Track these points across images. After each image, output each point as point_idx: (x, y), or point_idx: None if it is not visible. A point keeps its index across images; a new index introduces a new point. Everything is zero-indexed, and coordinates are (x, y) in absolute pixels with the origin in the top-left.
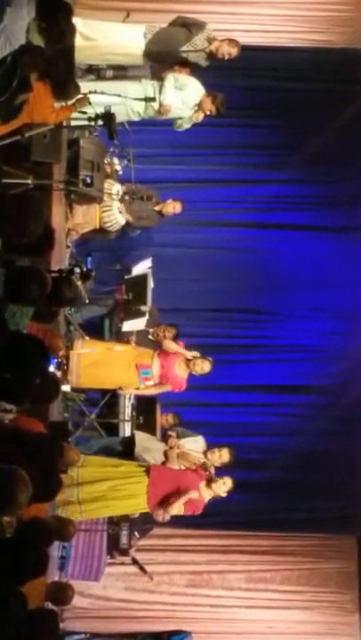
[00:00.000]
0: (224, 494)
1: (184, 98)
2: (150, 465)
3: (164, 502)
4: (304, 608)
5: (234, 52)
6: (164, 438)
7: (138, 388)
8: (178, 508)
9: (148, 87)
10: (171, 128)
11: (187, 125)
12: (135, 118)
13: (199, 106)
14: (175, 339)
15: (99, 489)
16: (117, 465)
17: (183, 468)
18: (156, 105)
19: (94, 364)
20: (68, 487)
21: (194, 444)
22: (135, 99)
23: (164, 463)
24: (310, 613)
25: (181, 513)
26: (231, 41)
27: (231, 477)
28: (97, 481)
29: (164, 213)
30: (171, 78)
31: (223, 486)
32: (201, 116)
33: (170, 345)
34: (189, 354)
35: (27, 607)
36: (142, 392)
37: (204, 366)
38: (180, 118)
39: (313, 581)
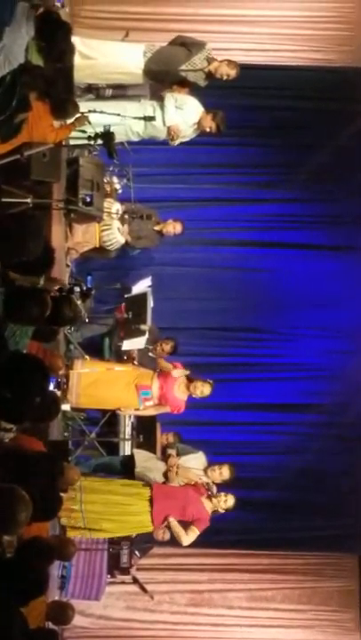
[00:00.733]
0: (223, 510)
1: (184, 117)
2: (152, 483)
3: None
4: (305, 627)
5: (233, 73)
6: (164, 457)
7: (137, 409)
8: (193, 535)
9: (147, 107)
10: (170, 146)
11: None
12: (134, 138)
13: (199, 124)
14: (173, 352)
15: (102, 502)
16: (120, 484)
17: (183, 483)
18: (156, 124)
19: (94, 383)
20: (72, 500)
21: (195, 461)
22: (135, 117)
23: (164, 483)
24: (311, 632)
25: (198, 533)
26: (230, 62)
27: (233, 495)
28: (100, 495)
29: (165, 233)
30: (170, 98)
31: (224, 503)
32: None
33: (162, 364)
34: (177, 371)
35: (27, 627)
36: (141, 413)
37: (204, 389)
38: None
39: (314, 600)
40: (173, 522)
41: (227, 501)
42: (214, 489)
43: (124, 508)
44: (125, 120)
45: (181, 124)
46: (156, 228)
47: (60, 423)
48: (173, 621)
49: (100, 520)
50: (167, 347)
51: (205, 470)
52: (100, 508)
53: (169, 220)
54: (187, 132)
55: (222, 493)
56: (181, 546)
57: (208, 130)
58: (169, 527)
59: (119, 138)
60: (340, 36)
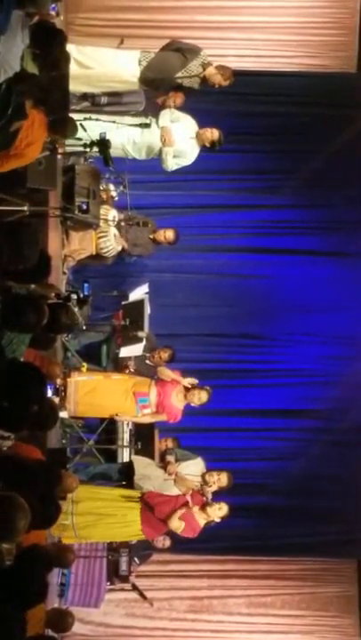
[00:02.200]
0: (218, 519)
1: (179, 130)
2: (145, 493)
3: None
4: (305, 632)
5: (225, 83)
6: (163, 463)
7: (135, 416)
8: (177, 524)
9: (143, 118)
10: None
11: (169, 161)
12: (130, 149)
13: (198, 138)
14: (171, 360)
15: (92, 510)
16: (113, 495)
17: (180, 492)
18: (152, 130)
19: (92, 392)
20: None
21: (194, 467)
22: (130, 125)
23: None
24: (311, 638)
25: (180, 531)
26: (225, 72)
27: (228, 504)
28: (91, 502)
29: (158, 242)
30: (167, 112)
31: (218, 511)
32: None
33: (165, 372)
34: (185, 380)
35: (26, 634)
36: (139, 420)
37: (201, 397)
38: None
39: (314, 606)
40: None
41: (221, 509)
42: (210, 495)
43: (115, 519)
44: (122, 128)
45: (175, 135)
46: (150, 236)
47: (57, 431)
48: (173, 628)
49: (92, 530)
50: (165, 355)
51: (203, 476)
52: (91, 519)
53: (161, 230)
54: (183, 145)
55: (215, 503)
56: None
57: (207, 145)
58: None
59: (116, 151)
60: (335, 42)
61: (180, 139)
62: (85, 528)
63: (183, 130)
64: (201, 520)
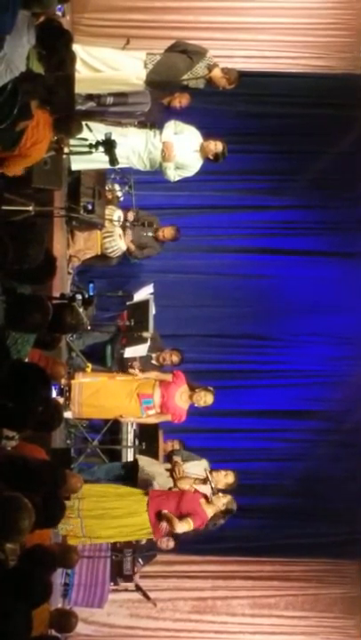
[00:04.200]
0: (223, 487)
1: (183, 142)
2: (150, 490)
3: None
4: (308, 633)
5: (230, 87)
6: (171, 464)
7: (139, 418)
8: (185, 527)
9: (148, 132)
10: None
11: (171, 175)
12: (135, 161)
13: (201, 150)
14: (180, 363)
15: (99, 504)
16: (118, 492)
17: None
18: (155, 142)
19: (96, 393)
20: (70, 508)
21: (198, 468)
22: (135, 126)
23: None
24: (315, 639)
25: (191, 528)
26: (230, 76)
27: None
28: (97, 497)
29: (159, 240)
30: (171, 124)
31: (224, 478)
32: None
33: (161, 376)
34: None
35: (30, 634)
36: (143, 421)
37: (207, 398)
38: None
39: (317, 607)
40: (167, 513)
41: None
42: (214, 484)
43: (121, 512)
44: (128, 140)
45: (178, 148)
46: (152, 234)
47: (62, 431)
48: (176, 629)
49: (99, 528)
50: (176, 358)
51: (211, 472)
52: (97, 516)
53: (160, 228)
54: (186, 158)
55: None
56: (177, 533)
57: (211, 157)
58: (164, 519)
59: (121, 160)
60: (340, 43)
61: (183, 152)
62: (92, 520)
63: (187, 143)
64: (209, 512)
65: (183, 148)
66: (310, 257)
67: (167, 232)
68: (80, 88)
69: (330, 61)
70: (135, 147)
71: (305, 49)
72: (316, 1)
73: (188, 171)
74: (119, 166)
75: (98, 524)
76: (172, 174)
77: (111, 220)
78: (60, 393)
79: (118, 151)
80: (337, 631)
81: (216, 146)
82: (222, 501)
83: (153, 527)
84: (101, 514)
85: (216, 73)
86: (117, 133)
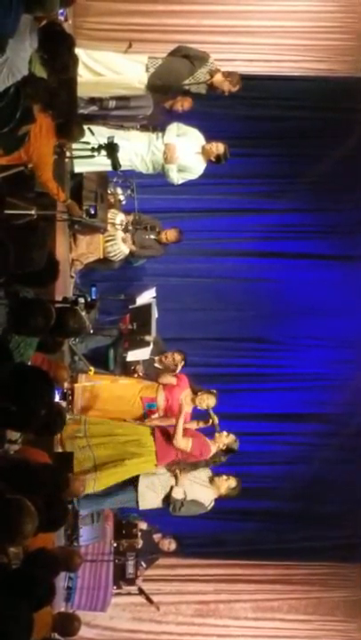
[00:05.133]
0: (226, 441)
1: (185, 144)
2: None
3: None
4: (311, 637)
5: (234, 89)
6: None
7: (143, 422)
8: (184, 443)
9: (150, 134)
10: None
11: (174, 177)
12: (138, 164)
13: (203, 153)
14: (183, 365)
15: (108, 432)
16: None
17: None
18: (158, 145)
19: (99, 397)
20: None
21: (203, 472)
22: (138, 129)
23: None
24: None
25: (188, 449)
26: (233, 78)
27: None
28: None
29: (162, 243)
30: (173, 126)
31: (226, 438)
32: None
33: (166, 379)
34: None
35: (31, 635)
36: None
37: (209, 402)
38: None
39: (320, 610)
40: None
41: (229, 436)
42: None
43: (128, 437)
44: (130, 143)
45: (180, 150)
46: (155, 237)
47: None
48: (179, 632)
49: (107, 453)
50: (179, 357)
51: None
52: (105, 439)
53: (163, 231)
54: (188, 160)
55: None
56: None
57: (212, 159)
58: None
59: (124, 164)
60: (342, 47)
61: (185, 154)
62: (100, 448)
63: (189, 145)
64: (212, 445)
65: (186, 150)
66: (312, 260)
67: (170, 234)
68: (82, 92)
69: (332, 65)
70: (138, 150)
71: (307, 52)
72: (318, 4)
73: (192, 173)
74: (122, 169)
75: (105, 451)
76: (175, 176)
77: (113, 224)
78: (63, 397)
79: (121, 154)
80: (339, 634)
81: (217, 148)
82: (225, 441)
83: (159, 458)
84: (109, 441)
85: (218, 78)
86: (120, 137)
